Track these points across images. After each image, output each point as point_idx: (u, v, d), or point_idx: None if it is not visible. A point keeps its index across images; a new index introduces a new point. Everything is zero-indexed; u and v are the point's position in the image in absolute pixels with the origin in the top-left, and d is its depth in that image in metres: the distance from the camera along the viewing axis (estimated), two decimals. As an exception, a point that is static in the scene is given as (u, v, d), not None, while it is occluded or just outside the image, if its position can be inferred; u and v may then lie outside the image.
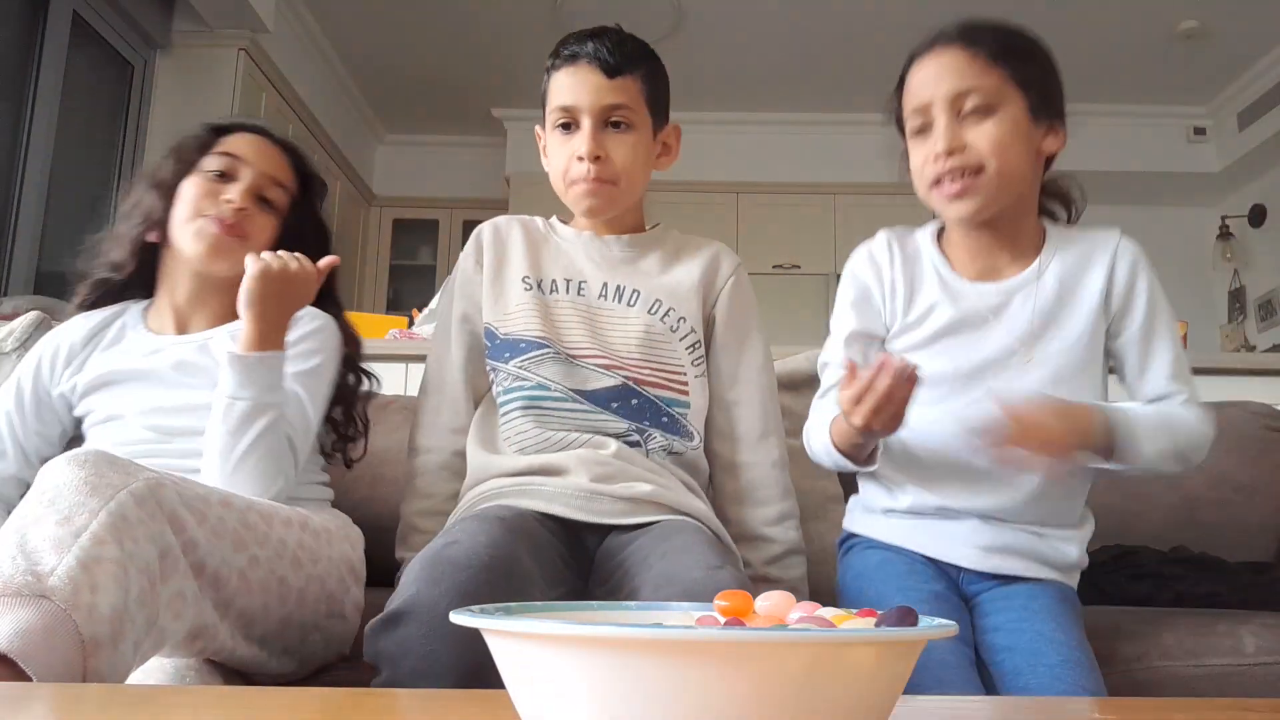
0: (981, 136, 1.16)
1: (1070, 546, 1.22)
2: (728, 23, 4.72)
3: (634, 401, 1.26)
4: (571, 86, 1.28)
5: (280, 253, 1.20)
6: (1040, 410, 1.10)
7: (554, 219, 1.43)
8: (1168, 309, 1.23)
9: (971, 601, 1.21)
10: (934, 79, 1.19)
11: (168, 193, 1.30)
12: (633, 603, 0.63)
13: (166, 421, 1.24)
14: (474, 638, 0.84)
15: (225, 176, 1.30)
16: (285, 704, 0.61)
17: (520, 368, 1.27)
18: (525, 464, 1.23)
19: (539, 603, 0.58)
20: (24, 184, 3.25)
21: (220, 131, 1.34)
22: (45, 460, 1.30)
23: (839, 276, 1.30)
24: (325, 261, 1.24)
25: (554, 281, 1.33)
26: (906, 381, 1.06)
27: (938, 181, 1.18)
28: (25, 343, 1.58)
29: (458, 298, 1.38)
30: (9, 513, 1.25)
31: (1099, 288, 1.21)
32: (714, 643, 0.45)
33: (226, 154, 1.31)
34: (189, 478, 1.03)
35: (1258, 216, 5.26)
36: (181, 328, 1.32)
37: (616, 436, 1.25)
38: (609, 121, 1.29)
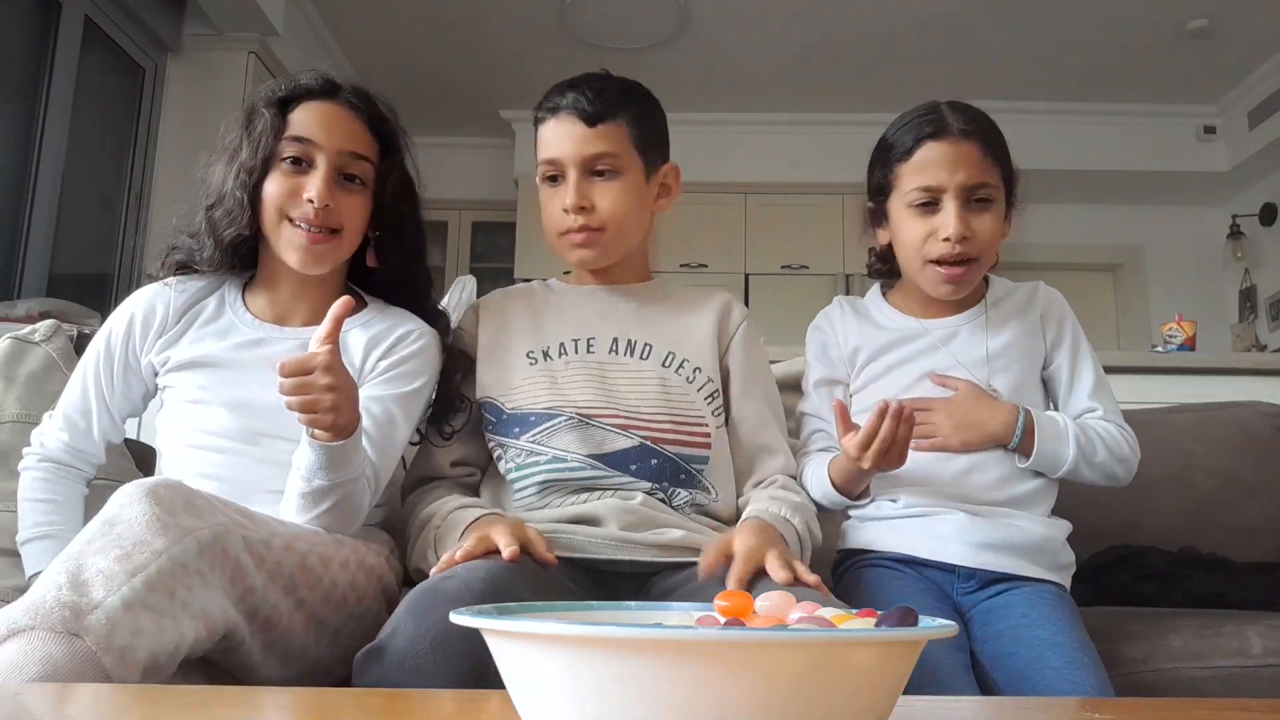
0: (983, 227, 1.29)
1: (1051, 531, 1.28)
2: (734, 23, 4.72)
3: (654, 461, 1.23)
4: (554, 139, 1.27)
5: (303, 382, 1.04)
6: (953, 404, 1.28)
7: (552, 280, 1.41)
8: (1086, 341, 1.39)
9: (967, 615, 1.23)
10: (950, 165, 1.28)
11: (252, 188, 1.23)
12: (632, 603, 0.63)
13: (256, 422, 1.20)
14: (459, 672, 0.83)
15: (301, 163, 1.23)
16: (286, 705, 0.61)
17: (533, 442, 1.23)
18: (556, 514, 1.21)
19: (539, 603, 0.59)
20: (37, 187, 3.27)
21: (288, 103, 1.26)
22: (126, 420, 1.32)
23: (848, 277, 1.43)
24: (336, 310, 1.07)
25: (561, 345, 1.30)
26: (905, 422, 1.15)
27: (937, 260, 1.30)
28: (51, 338, 1.59)
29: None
30: (90, 482, 1.29)
31: (1035, 326, 1.37)
32: (714, 643, 0.45)
33: (297, 138, 1.23)
34: (259, 514, 1.04)
35: (1269, 215, 5.23)
36: (280, 320, 1.28)
37: (642, 491, 1.22)
38: (594, 170, 1.27)
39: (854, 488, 1.27)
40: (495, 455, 1.29)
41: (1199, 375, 2.63)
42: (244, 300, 1.30)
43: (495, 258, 5.81)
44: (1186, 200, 5.59)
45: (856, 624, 0.54)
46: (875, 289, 1.46)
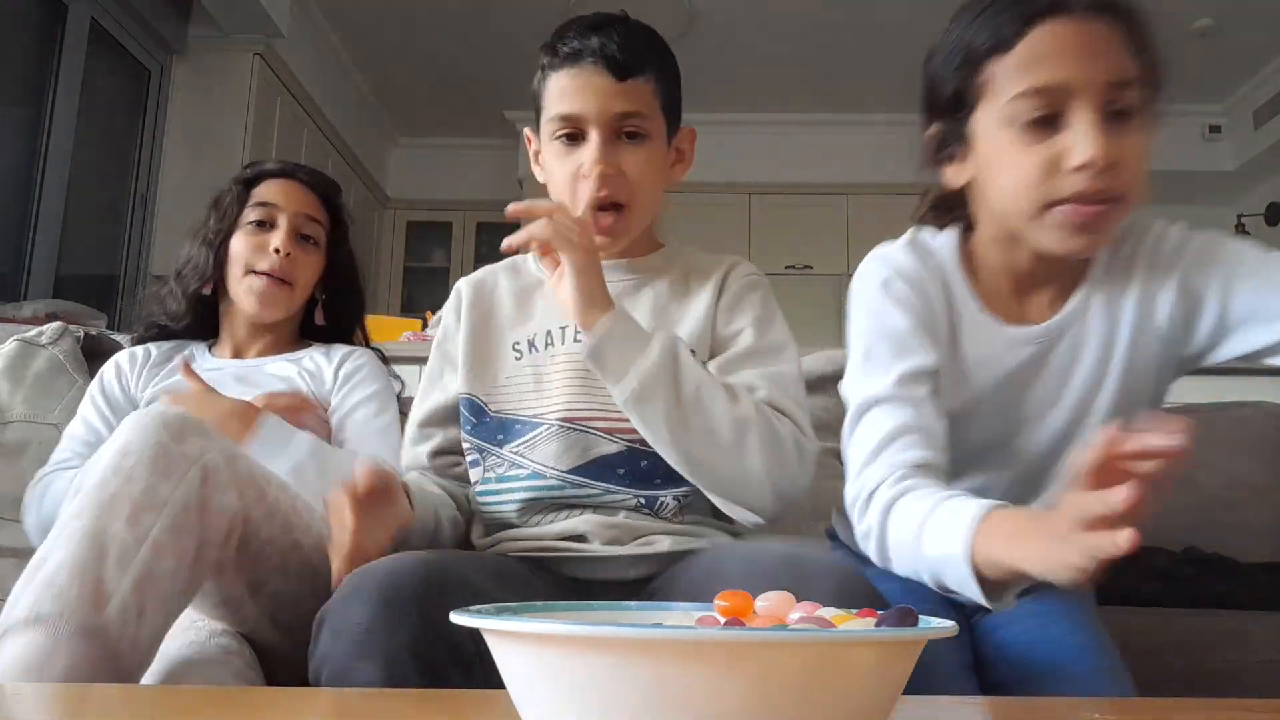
0: (1132, 149, 0.87)
1: None
2: (739, 23, 4.72)
3: (642, 464, 1.07)
4: (575, 91, 1.09)
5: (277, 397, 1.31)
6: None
7: None
8: (1256, 244, 0.97)
9: (973, 619, 1.08)
10: (1081, 54, 0.86)
11: (218, 249, 1.42)
12: (633, 603, 0.63)
13: None
14: (379, 630, 0.79)
15: (265, 225, 1.42)
16: (285, 704, 0.61)
17: (515, 453, 1.09)
18: (540, 532, 1.09)
19: (539, 603, 0.59)
20: (43, 188, 3.29)
21: (252, 181, 1.46)
22: None
23: (851, 277, 1.19)
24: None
25: (548, 334, 1.14)
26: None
27: (1068, 201, 0.87)
28: (58, 340, 1.61)
29: (435, 355, 1.23)
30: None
31: (1169, 294, 0.96)
32: (714, 643, 0.45)
33: (261, 204, 1.42)
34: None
35: (1274, 214, 5.22)
36: (238, 354, 1.46)
37: (625, 509, 1.08)
38: (620, 131, 1.10)
39: (1006, 584, 0.80)
40: (470, 459, 1.15)
41: (1204, 375, 2.62)
42: (209, 351, 1.49)
43: (499, 259, 5.79)
44: (1192, 200, 5.57)
45: (856, 624, 0.54)
46: (948, 243, 1.01)
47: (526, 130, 1.22)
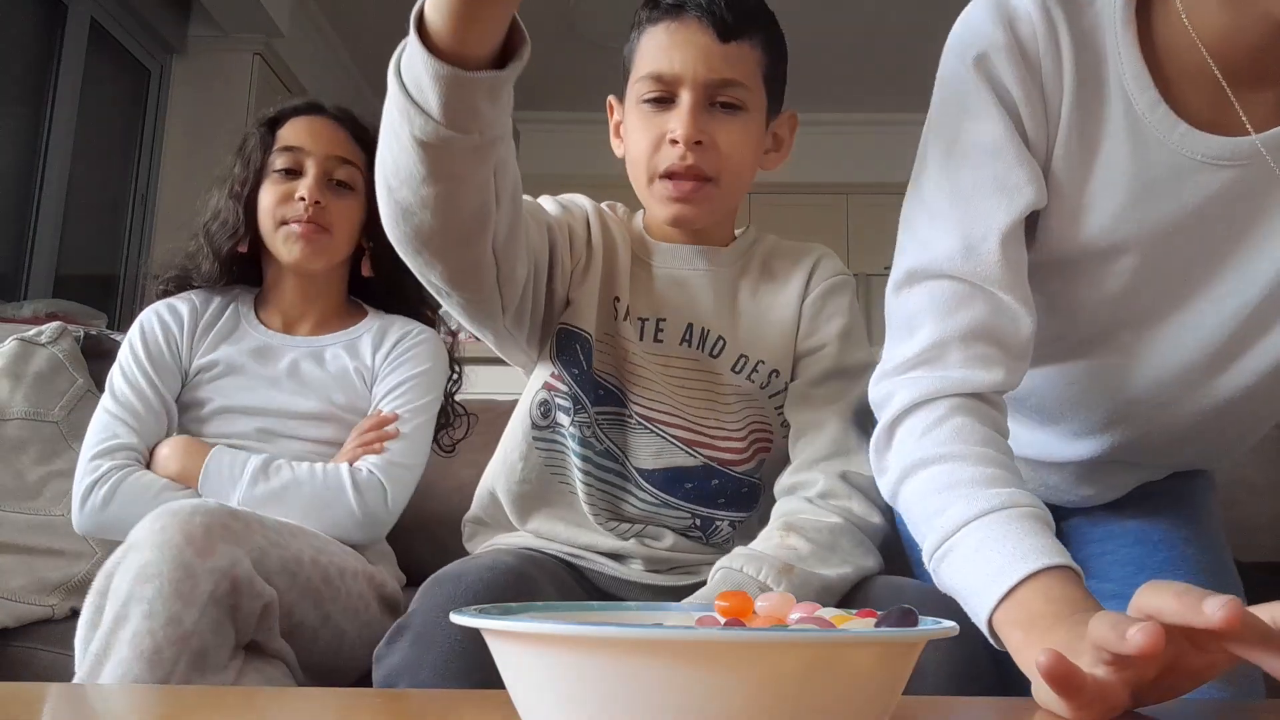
0: None
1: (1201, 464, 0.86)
2: (740, 23, 4.73)
3: (714, 482, 1.01)
4: (672, 47, 0.97)
5: None
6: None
7: (640, 219, 1.10)
8: None
9: (1062, 527, 0.88)
10: None
11: (247, 201, 1.31)
12: (632, 603, 0.63)
13: (271, 424, 1.27)
14: (474, 647, 0.75)
15: (293, 172, 1.31)
16: (283, 705, 0.61)
17: (598, 418, 1.00)
18: (579, 539, 1.01)
19: (539, 603, 0.59)
20: (43, 188, 3.29)
21: (277, 122, 1.35)
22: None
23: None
24: None
25: (643, 321, 1.03)
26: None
27: None
28: (58, 339, 1.61)
29: (555, 205, 1.04)
30: None
31: None
32: (714, 643, 0.45)
33: (287, 148, 1.32)
34: (283, 524, 1.05)
35: (1275, 214, 5.21)
36: (288, 328, 1.35)
37: (675, 530, 1.01)
38: (716, 100, 0.99)
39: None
40: (545, 386, 1.02)
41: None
42: (256, 312, 1.36)
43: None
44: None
45: (856, 624, 0.54)
46: None
47: (610, 98, 1.09)
